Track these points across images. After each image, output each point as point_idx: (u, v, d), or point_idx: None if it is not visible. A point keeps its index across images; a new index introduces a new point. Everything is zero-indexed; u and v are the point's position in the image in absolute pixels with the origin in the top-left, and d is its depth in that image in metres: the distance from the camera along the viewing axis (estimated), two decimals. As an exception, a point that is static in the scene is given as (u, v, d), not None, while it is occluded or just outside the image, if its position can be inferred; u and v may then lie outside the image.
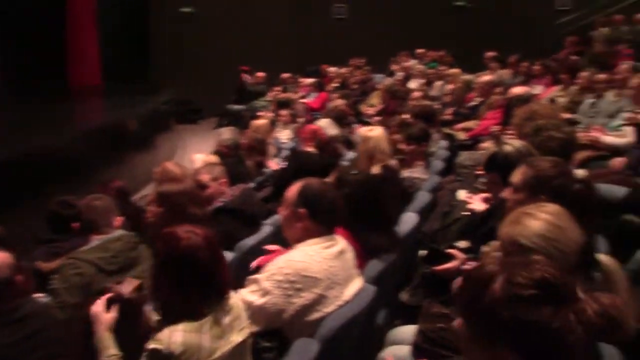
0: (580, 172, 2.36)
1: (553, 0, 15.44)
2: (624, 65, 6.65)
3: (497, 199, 2.95)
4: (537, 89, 8.02)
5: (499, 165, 2.89)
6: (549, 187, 2.28)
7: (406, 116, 5.57)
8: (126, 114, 9.53)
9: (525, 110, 3.99)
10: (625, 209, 3.43)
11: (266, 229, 4.09)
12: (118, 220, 3.49)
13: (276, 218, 4.34)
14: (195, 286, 2.08)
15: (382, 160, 4.32)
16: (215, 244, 2.20)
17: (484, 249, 2.44)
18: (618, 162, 4.77)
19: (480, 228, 3.08)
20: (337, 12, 16.11)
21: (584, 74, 7.45)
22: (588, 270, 1.96)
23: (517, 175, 2.45)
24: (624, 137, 5.13)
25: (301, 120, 8.83)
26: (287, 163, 5.47)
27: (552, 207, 1.90)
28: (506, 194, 2.49)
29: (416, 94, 7.66)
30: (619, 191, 3.71)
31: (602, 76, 7.03)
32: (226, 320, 2.13)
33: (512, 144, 2.95)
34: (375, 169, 4.11)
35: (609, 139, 5.19)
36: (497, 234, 1.95)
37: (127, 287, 2.22)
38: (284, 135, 7.89)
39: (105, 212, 3.43)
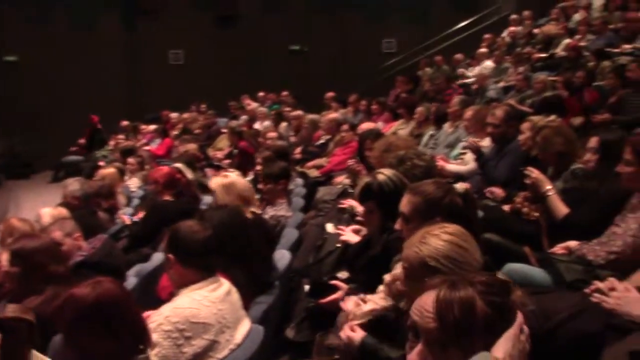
0: (459, 187, 2.48)
1: (380, 44, 16.53)
2: (456, 99, 7.22)
3: (374, 227, 3.03)
4: (380, 125, 8.46)
5: (375, 194, 2.97)
6: (441, 208, 2.38)
7: (265, 156, 5.61)
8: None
9: (383, 142, 4.17)
10: (483, 229, 3.67)
11: (131, 280, 3.87)
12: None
13: (138, 269, 4.15)
14: (125, 325, 1.90)
15: (250, 201, 4.31)
16: (125, 289, 2.04)
17: (386, 277, 2.48)
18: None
19: (359, 258, 3.14)
20: (174, 58, 15.96)
21: (420, 109, 8.00)
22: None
23: (405, 205, 2.49)
24: (465, 164, 5.54)
25: (148, 167, 8.56)
26: (145, 214, 5.25)
27: (453, 227, 1.97)
28: (398, 225, 2.53)
29: (271, 134, 7.75)
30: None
31: (434, 108, 7.62)
32: None
33: (384, 172, 3.05)
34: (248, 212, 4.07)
35: (453, 167, 5.57)
36: (402, 257, 1.98)
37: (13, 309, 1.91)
38: (133, 183, 7.59)
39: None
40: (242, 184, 4.43)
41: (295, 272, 4.15)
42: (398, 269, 2.56)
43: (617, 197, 3.15)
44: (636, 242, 2.79)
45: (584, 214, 3.35)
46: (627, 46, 8.85)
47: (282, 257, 3.71)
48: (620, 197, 3.11)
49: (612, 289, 2.39)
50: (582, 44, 9.79)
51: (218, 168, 8.41)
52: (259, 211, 4.57)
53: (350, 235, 3.54)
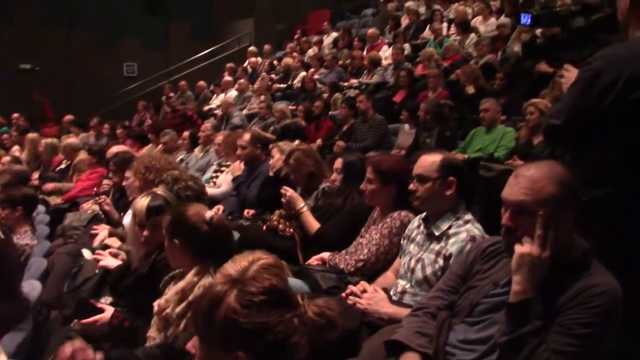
0: (209, 214, 2.60)
1: (122, 67, 16.10)
2: (207, 124, 7.36)
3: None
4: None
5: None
6: (182, 229, 2.55)
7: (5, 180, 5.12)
8: None
9: (143, 160, 4.13)
10: (241, 248, 3.81)
11: None
12: None
13: None
14: None
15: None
16: None
17: (155, 306, 2.50)
18: (218, 209, 5.24)
19: (122, 281, 3.07)
20: None
21: (166, 134, 7.98)
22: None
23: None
24: (219, 186, 5.68)
25: None
26: None
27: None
28: None
29: (6, 159, 7.04)
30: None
31: (186, 133, 7.68)
32: None
33: (160, 193, 3.06)
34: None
35: (207, 190, 5.65)
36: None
37: None
38: None
39: None
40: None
41: (44, 304, 3.87)
42: (168, 295, 2.55)
43: (360, 211, 3.53)
44: (379, 250, 3.16)
45: (333, 228, 3.68)
46: (354, 80, 9.88)
47: (32, 288, 3.42)
48: (363, 211, 3.50)
49: (364, 291, 2.70)
50: (316, 77, 10.67)
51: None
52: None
53: (109, 259, 3.44)
